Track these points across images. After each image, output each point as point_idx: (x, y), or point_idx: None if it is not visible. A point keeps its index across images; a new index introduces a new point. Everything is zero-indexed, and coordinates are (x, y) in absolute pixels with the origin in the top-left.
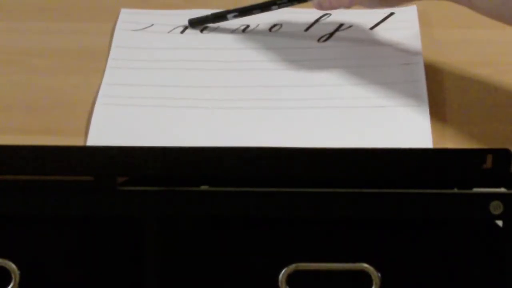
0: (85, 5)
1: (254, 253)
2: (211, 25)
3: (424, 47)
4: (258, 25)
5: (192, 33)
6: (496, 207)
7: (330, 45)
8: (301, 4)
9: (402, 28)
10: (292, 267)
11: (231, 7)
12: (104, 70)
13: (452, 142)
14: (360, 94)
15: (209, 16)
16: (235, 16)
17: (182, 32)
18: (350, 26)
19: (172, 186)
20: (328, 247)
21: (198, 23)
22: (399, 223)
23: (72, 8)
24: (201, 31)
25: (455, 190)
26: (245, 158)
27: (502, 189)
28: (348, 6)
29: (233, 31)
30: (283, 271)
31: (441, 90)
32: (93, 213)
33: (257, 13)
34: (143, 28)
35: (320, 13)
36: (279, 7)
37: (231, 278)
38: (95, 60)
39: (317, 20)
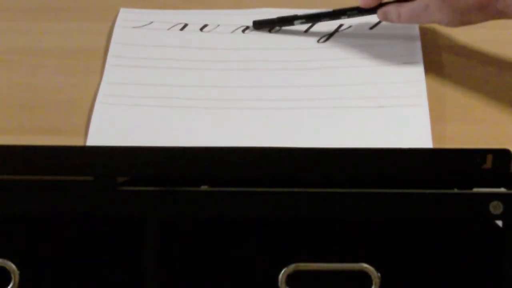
0: (84, 5)
1: (254, 253)
2: (211, 25)
3: (424, 47)
4: None
5: (192, 31)
6: (496, 207)
7: (330, 46)
8: (301, 5)
9: (402, 28)
10: (292, 267)
11: (231, 8)
12: (103, 70)
13: (452, 142)
14: (360, 94)
15: (275, 20)
16: (302, 23)
17: (182, 29)
18: (350, 27)
19: (172, 186)
20: (328, 247)
21: (262, 25)
22: (399, 223)
23: (71, 8)
24: (201, 29)
25: (455, 190)
26: (245, 158)
27: (502, 189)
28: (419, 22)
29: (233, 31)
30: (283, 271)
31: (441, 90)
32: (93, 213)
33: (325, 20)
34: (143, 26)
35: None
36: (348, 17)
37: (231, 278)
38: (95, 60)
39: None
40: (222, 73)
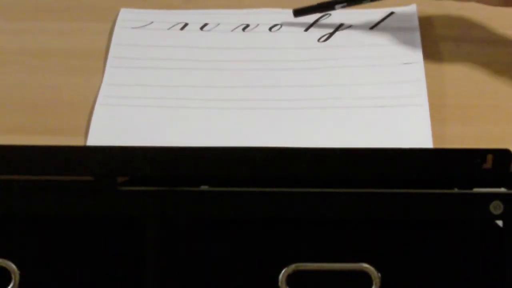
0: (84, 5)
1: (254, 253)
2: (211, 23)
3: (424, 47)
4: (257, 25)
5: (192, 31)
6: (496, 207)
7: (330, 45)
8: (302, 5)
9: (402, 28)
10: (292, 267)
11: (233, 7)
12: (104, 70)
13: (452, 142)
14: (360, 94)
15: (315, 6)
16: (343, 7)
17: (182, 29)
18: (350, 26)
19: (172, 186)
20: (328, 247)
21: (303, 12)
22: (399, 223)
23: (71, 8)
24: (201, 28)
25: (455, 190)
26: (245, 158)
27: (502, 189)
28: None
29: (233, 30)
30: (283, 271)
31: (441, 90)
32: (93, 213)
33: (366, 2)
34: (143, 26)
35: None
36: None
37: (231, 278)
38: (95, 60)
39: (317, 20)
40: (222, 73)
